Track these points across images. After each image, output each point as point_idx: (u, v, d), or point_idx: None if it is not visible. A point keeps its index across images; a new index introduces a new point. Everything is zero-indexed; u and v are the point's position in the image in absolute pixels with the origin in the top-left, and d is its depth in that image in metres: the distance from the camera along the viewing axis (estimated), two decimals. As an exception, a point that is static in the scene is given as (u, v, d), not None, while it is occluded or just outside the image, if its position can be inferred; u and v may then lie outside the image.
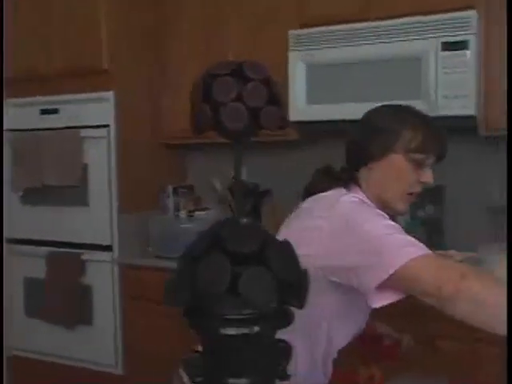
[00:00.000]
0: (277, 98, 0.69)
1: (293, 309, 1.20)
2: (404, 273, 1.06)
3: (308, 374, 1.28)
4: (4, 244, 2.97)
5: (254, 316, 0.66)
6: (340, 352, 1.31)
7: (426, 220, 2.51)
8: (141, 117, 2.89)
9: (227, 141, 0.71)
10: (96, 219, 2.79)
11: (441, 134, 1.30)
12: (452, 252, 2.38)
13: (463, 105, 2.20)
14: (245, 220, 0.72)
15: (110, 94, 2.73)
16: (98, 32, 2.69)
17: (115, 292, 2.77)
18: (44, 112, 2.88)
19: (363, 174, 1.30)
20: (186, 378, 0.74)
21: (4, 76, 2.86)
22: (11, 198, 2.97)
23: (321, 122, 2.50)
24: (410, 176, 1.27)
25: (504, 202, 2.42)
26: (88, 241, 2.81)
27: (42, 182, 2.84)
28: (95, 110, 2.76)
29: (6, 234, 2.97)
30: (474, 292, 1.02)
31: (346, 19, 2.40)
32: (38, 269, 2.87)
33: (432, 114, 2.22)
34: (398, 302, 1.11)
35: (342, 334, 1.29)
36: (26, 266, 2.94)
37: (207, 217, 2.81)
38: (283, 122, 0.69)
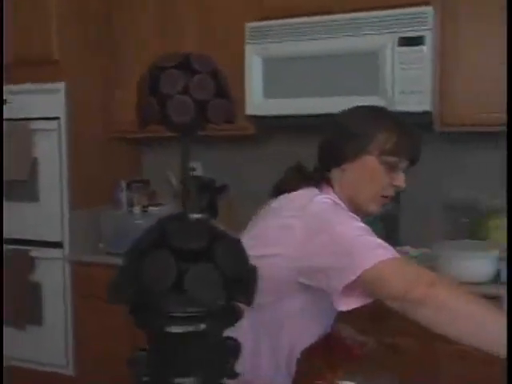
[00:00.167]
0: (225, 91, 0.67)
1: (261, 308, 1.19)
2: (371, 275, 1.06)
3: (272, 374, 1.27)
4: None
5: (201, 313, 0.64)
6: (304, 353, 1.30)
7: (384, 217, 2.55)
8: (93, 109, 2.83)
9: (174, 134, 0.69)
10: (46, 215, 2.71)
11: (415, 138, 1.29)
12: (407, 248, 2.42)
13: (419, 100, 2.23)
14: (193, 216, 0.71)
15: (61, 85, 2.66)
16: (48, 21, 2.61)
17: (66, 290, 2.71)
18: (-8, 103, 2.78)
19: (336, 174, 1.29)
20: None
21: None
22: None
23: (277, 116, 2.50)
24: (383, 179, 1.26)
25: (459, 198, 2.48)
26: (38, 237, 2.73)
27: (-11, 176, 2.74)
28: (45, 101, 2.68)
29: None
30: (440, 299, 1.02)
31: (303, 13, 2.40)
32: (-15, 266, 2.78)
33: (389, 109, 2.26)
34: (364, 306, 1.10)
35: (307, 335, 1.28)
36: (-27, 264, 2.84)
37: (162, 212, 2.77)
38: (231, 116, 0.67)
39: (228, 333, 0.74)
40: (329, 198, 1.22)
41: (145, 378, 0.70)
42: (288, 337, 1.26)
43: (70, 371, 2.71)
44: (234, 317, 0.69)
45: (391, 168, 1.26)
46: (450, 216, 2.51)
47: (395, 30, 2.23)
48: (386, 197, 1.29)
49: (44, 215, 2.71)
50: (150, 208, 2.84)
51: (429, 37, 2.20)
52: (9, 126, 2.70)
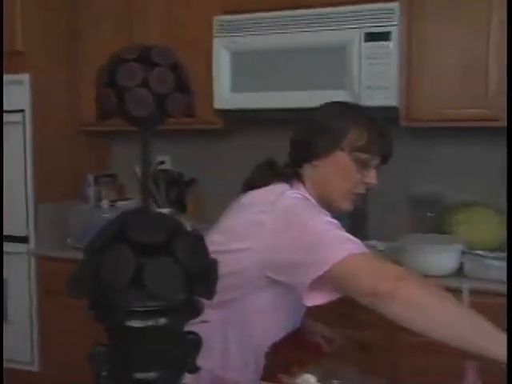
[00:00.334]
0: (185, 85, 0.67)
1: (230, 303, 1.20)
2: (339, 269, 1.06)
3: (241, 369, 1.28)
4: None
5: (160, 308, 0.64)
6: (273, 348, 1.31)
7: (352, 211, 2.56)
8: (59, 102, 2.78)
9: (134, 128, 0.68)
10: (11, 209, 2.66)
11: (387, 135, 1.29)
12: (374, 242, 2.45)
13: (385, 96, 2.25)
14: (153, 210, 0.71)
15: (25, 77, 2.60)
16: (13, 11, 2.55)
17: (31, 286, 2.66)
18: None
19: (307, 170, 1.29)
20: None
21: None
22: None
23: (245, 110, 2.49)
24: (355, 176, 1.26)
25: (425, 192, 2.52)
26: (3, 232, 2.67)
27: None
28: (9, 93, 2.62)
29: None
30: (408, 294, 1.02)
31: (271, 7, 2.39)
32: None
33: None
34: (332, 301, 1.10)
35: (275, 330, 1.29)
36: None
37: (130, 206, 2.75)
38: (191, 110, 0.67)
39: (196, 328, 0.74)
40: (299, 194, 1.22)
41: (104, 374, 0.69)
42: (256, 331, 1.26)
43: (35, 367, 2.67)
44: (195, 311, 0.69)
45: (363, 165, 1.26)
46: (416, 210, 2.54)
47: (362, 25, 2.25)
48: (358, 194, 1.29)
49: (9, 209, 2.66)
50: (119, 202, 2.81)
51: (395, 32, 2.22)
52: (-28, 118, 2.64)
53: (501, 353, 0.96)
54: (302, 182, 1.28)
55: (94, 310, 0.67)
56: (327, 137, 1.25)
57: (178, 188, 2.90)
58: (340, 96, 2.21)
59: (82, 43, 2.80)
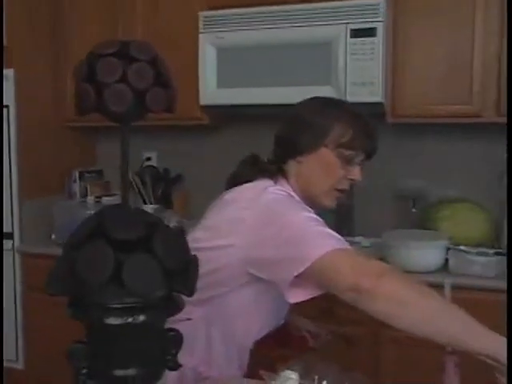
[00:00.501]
0: (164, 80, 0.66)
1: (212, 300, 1.19)
2: (320, 265, 1.05)
3: (225, 366, 1.27)
4: None
5: (139, 305, 0.64)
6: (257, 345, 1.30)
7: (337, 206, 2.56)
8: (44, 97, 2.75)
9: (114, 124, 0.68)
10: (-5, 205, 2.63)
11: (372, 131, 1.28)
12: (360, 238, 2.46)
13: (371, 92, 2.25)
14: (132, 206, 0.70)
15: (10, 72, 2.57)
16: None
17: (16, 282, 2.64)
18: None
19: (291, 166, 1.28)
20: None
21: None
22: None
23: (232, 106, 2.48)
24: (339, 172, 1.25)
25: (409, 188, 2.53)
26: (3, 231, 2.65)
27: None
28: (-7, 88, 2.59)
29: None
30: (389, 291, 1.01)
31: (257, 2, 2.38)
32: None
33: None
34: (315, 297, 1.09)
35: (259, 327, 1.29)
36: None
37: (115, 202, 2.73)
38: (170, 105, 0.66)
39: (178, 326, 0.74)
40: (282, 190, 1.22)
41: (84, 371, 0.69)
42: (239, 329, 1.26)
43: (20, 365, 2.65)
44: (175, 308, 0.69)
45: (347, 161, 1.25)
46: (401, 206, 2.56)
47: (348, 21, 2.25)
48: (341, 190, 1.28)
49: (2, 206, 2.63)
50: (104, 198, 2.79)
51: (381, 28, 2.22)
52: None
53: (484, 347, 0.97)
54: (286, 178, 1.28)
55: (72, 307, 0.67)
56: (310, 133, 1.25)
57: (164, 184, 2.89)
58: (326, 92, 2.21)
59: (67, 39, 2.77)
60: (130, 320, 0.64)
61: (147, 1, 2.62)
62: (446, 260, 2.12)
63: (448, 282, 1.16)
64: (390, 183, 2.58)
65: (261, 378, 1.00)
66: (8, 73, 2.57)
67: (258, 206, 1.16)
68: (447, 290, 1.15)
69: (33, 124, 2.67)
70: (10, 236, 2.64)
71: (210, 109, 2.54)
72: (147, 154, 2.98)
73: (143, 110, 0.65)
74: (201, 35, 2.44)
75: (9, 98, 2.58)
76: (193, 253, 0.71)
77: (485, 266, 2.03)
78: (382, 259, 2.08)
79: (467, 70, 2.20)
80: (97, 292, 0.63)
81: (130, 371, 0.68)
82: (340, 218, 2.56)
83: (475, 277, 2.02)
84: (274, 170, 1.28)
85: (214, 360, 1.26)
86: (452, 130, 2.48)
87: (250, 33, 2.38)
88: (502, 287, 1.73)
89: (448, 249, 2.12)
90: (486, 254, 2.06)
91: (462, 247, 2.11)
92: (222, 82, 2.44)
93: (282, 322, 1.38)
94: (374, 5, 2.23)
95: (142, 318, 0.64)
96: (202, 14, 2.44)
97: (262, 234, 1.13)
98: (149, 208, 2.79)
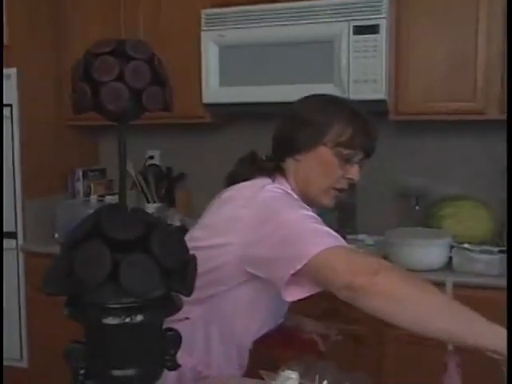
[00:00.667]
0: (161, 79, 0.66)
1: (210, 299, 1.19)
2: (317, 263, 1.03)
3: (223, 365, 1.27)
4: None
5: (136, 305, 0.64)
6: (260, 345, 1.30)
7: (340, 204, 2.56)
8: (47, 96, 2.75)
9: (106, 123, 0.68)
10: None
11: (371, 130, 1.26)
12: (363, 236, 2.45)
13: (374, 89, 2.24)
14: (129, 206, 0.70)
15: (13, 71, 2.57)
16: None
17: (20, 281, 2.65)
18: None
19: (289, 164, 1.27)
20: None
21: None
22: None
23: (234, 104, 2.48)
24: (337, 171, 1.24)
25: (412, 186, 2.52)
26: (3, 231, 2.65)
27: None
28: (-4, 88, 2.60)
29: None
30: (386, 288, 1.00)
31: (259, 0, 2.37)
32: None
33: (343, 97, 2.26)
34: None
35: (258, 326, 1.28)
36: None
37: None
38: (167, 104, 0.66)
39: (177, 325, 0.74)
40: (279, 188, 1.21)
41: (82, 371, 0.68)
42: (238, 327, 1.26)
43: (24, 364, 2.65)
44: (173, 308, 0.68)
45: (345, 160, 1.24)
46: (404, 204, 2.55)
47: (350, 18, 2.23)
48: (340, 189, 1.27)
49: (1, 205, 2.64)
50: (107, 197, 2.80)
51: (383, 25, 2.21)
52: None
53: (491, 343, 0.95)
54: (285, 176, 1.27)
55: (69, 307, 0.67)
56: (309, 131, 1.24)
57: (167, 183, 2.89)
58: (328, 89, 2.20)
59: (69, 38, 2.77)
60: (127, 320, 0.64)
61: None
62: (450, 258, 2.11)
63: (450, 279, 1.15)
64: (393, 181, 2.57)
65: (261, 378, 1.00)
66: (11, 72, 2.57)
67: (255, 204, 1.16)
68: (449, 288, 1.14)
69: (36, 123, 2.67)
70: (14, 235, 2.64)
71: (213, 107, 2.53)
72: (150, 153, 2.99)
73: (140, 109, 0.65)
74: (203, 33, 2.44)
75: (12, 97, 2.59)
76: (191, 252, 0.71)
77: (488, 264, 2.02)
78: (385, 257, 2.07)
79: (470, 66, 2.19)
80: (94, 292, 0.63)
81: (129, 371, 0.68)
82: (343, 217, 2.55)
83: (479, 275, 2.01)
84: (273, 168, 1.27)
85: (213, 359, 1.26)
86: (455, 128, 2.47)
87: (252, 30, 2.37)
88: (506, 285, 1.72)
89: (452, 247, 2.11)
90: (489, 252, 2.05)
91: (465, 245, 2.10)
92: (225, 80, 2.43)
93: (281, 320, 1.37)
94: (377, 2, 2.21)
95: (139, 317, 0.64)
96: (205, 11, 2.44)
97: (259, 232, 1.12)
98: (152, 206, 2.79)
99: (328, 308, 1.89)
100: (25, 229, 2.65)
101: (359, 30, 2.23)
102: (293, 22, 2.31)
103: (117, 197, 2.47)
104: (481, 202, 2.29)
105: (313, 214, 1.14)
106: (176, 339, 0.71)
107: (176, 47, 2.52)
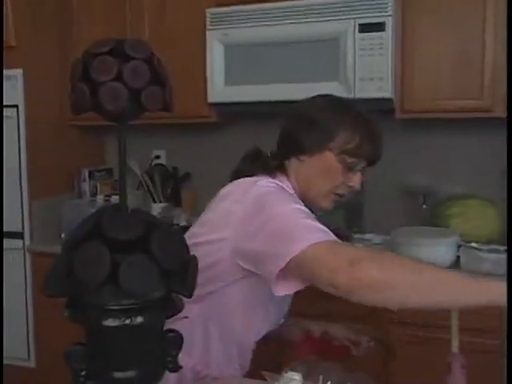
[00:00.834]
0: (160, 79, 0.65)
1: (208, 297, 1.18)
2: (303, 259, 1.02)
3: (223, 365, 1.26)
4: None
5: (137, 306, 0.63)
6: (259, 346, 1.29)
7: (347, 203, 2.54)
8: (52, 96, 2.75)
9: (111, 123, 0.67)
10: (5, 205, 2.64)
11: (378, 138, 1.25)
12: (370, 235, 2.44)
13: (380, 87, 2.22)
14: (136, 206, 0.69)
15: (19, 72, 2.58)
16: (3, 6, 2.53)
17: (27, 281, 2.65)
18: None
19: (293, 164, 1.26)
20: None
21: None
22: None
23: (240, 103, 2.47)
24: (339, 177, 1.23)
25: (419, 185, 2.51)
26: (3, 231, 2.66)
27: None
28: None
29: None
30: (367, 280, 0.97)
31: (264, -2, 2.37)
32: None
33: (349, 96, 2.25)
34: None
35: (258, 325, 1.27)
36: None
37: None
38: (167, 104, 0.66)
39: (176, 324, 0.73)
40: (273, 183, 1.20)
41: (83, 373, 0.68)
42: (238, 325, 1.25)
43: (31, 364, 2.66)
44: (174, 309, 0.68)
45: (349, 168, 1.23)
46: (411, 203, 2.53)
47: (356, 15, 2.22)
48: (339, 194, 1.27)
49: (3, 205, 2.65)
50: (113, 197, 2.80)
51: (389, 23, 2.19)
52: (-36, 114, 2.62)
53: (492, 299, 0.95)
54: (287, 174, 1.26)
55: (70, 309, 0.66)
56: (316, 135, 1.23)
57: (173, 182, 2.89)
58: (334, 88, 2.19)
59: (75, 38, 2.77)
60: (127, 322, 0.63)
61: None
62: (457, 257, 2.09)
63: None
64: (400, 180, 2.55)
65: (263, 379, 0.99)
66: (16, 73, 2.58)
67: (248, 198, 1.15)
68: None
69: (42, 123, 2.68)
70: (21, 235, 2.65)
71: (218, 106, 2.53)
72: (156, 153, 2.99)
73: (139, 109, 0.65)
74: (208, 32, 2.43)
75: (18, 98, 2.59)
76: (190, 248, 0.70)
77: (495, 264, 2.00)
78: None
79: (477, 64, 2.17)
80: (94, 293, 0.63)
81: (129, 373, 0.67)
82: (350, 216, 2.54)
83: (486, 274, 2.00)
84: (275, 165, 1.27)
85: (212, 358, 1.25)
86: (461, 126, 2.45)
87: (257, 29, 2.36)
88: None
89: (459, 246, 2.09)
90: (497, 251, 2.03)
91: (473, 244, 2.09)
92: (230, 79, 2.43)
93: (282, 320, 1.36)
94: (383, -1, 2.20)
95: (139, 319, 0.64)
96: (209, 10, 2.43)
97: (249, 226, 1.12)
98: (158, 206, 2.79)
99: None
100: (31, 229, 2.65)
101: (365, 28, 2.22)
102: (298, 21, 2.30)
103: (123, 197, 2.43)
104: (488, 200, 2.27)
105: (305, 209, 1.13)
106: (177, 340, 0.71)
107: (181, 46, 2.52)
